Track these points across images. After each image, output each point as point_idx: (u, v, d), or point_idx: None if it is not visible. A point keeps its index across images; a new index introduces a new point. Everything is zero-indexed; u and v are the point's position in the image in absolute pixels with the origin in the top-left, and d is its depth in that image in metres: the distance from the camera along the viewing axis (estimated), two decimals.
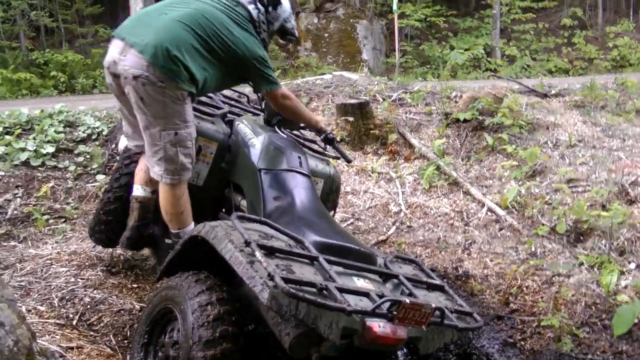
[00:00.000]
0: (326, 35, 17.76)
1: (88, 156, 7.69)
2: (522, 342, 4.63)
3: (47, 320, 3.90)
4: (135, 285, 4.63)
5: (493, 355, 4.60)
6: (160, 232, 4.27)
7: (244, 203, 4.22)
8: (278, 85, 4.13)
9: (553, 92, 10.04)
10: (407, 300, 2.98)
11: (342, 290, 2.96)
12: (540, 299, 4.93)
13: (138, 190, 4.22)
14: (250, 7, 4.14)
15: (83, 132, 8.17)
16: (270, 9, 4.21)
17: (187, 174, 3.97)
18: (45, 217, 6.27)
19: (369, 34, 18.17)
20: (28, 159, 7.33)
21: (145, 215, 4.23)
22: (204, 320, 3.12)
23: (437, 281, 3.71)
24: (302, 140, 4.68)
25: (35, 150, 7.47)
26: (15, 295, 3.94)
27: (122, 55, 3.74)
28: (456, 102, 8.84)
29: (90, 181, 7.20)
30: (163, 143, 3.82)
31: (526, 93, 9.81)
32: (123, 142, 6.25)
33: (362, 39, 17.87)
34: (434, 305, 3.06)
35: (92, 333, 3.95)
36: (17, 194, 6.69)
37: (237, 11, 4.05)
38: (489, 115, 7.95)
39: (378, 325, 2.93)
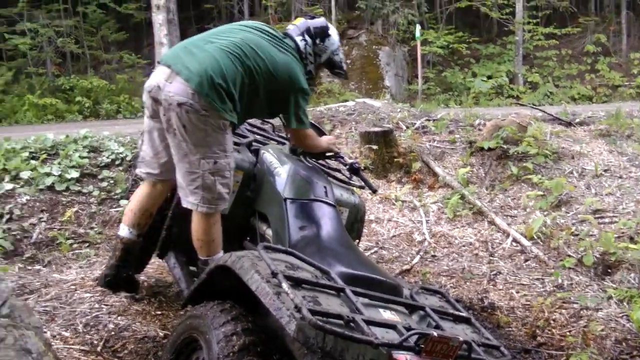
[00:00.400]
0: (349, 61, 17.82)
1: (112, 181, 7.72)
2: None
3: (72, 347, 3.89)
4: (159, 312, 4.60)
5: None
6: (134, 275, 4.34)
7: (269, 232, 4.21)
8: (307, 125, 4.18)
9: (577, 120, 9.99)
10: (435, 334, 2.95)
11: (369, 322, 2.93)
12: (568, 333, 4.84)
13: (124, 231, 4.25)
14: (298, 39, 4.17)
15: (107, 157, 8.21)
16: (318, 40, 4.23)
17: (223, 204, 3.98)
18: (70, 241, 6.29)
19: (391, 61, 18.23)
20: (53, 183, 7.37)
21: (126, 257, 4.27)
22: (229, 351, 3.10)
23: (464, 313, 3.65)
24: (327, 170, 4.66)
25: (60, 175, 7.52)
26: (41, 320, 3.93)
27: (167, 81, 3.77)
28: (480, 130, 8.81)
29: (114, 206, 7.22)
30: (202, 171, 3.83)
31: (550, 121, 9.75)
32: None
33: (384, 65, 17.93)
34: (461, 339, 3.01)
35: (116, 359, 3.94)
36: (42, 218, 6.73)
37: (284, 42, 4.09)
38: (513, 143, 7.91)
39: (405, 359, 2.88)
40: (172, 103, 3.73)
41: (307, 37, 4.20)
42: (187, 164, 3.86)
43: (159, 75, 3.86)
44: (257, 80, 3.88)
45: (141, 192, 4.31)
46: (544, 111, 10.50)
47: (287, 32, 4.23)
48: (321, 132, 4.75)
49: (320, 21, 4.31)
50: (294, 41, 4.17)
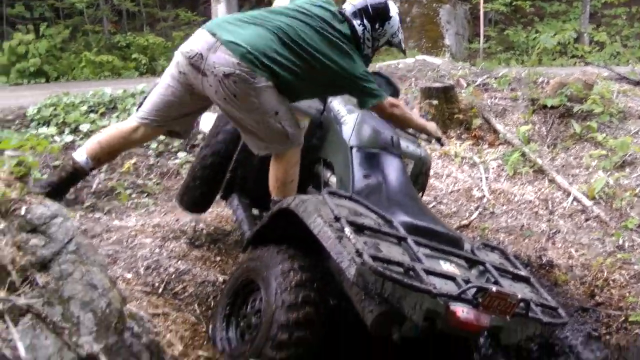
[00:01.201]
0: (408, 19, 17.54)
1: None
2: (607, 337, 4.50)
3: (134, 287, 3.98)
4: (218, 259, 4.67)
5: (576, 348, 4.48)
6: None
7: (333, 180, 4.21)
8: (383, 96, 3.99)
9: None
10: (494, 289, 2.95)
11: (428, 272, 2.94)
12: (628, 294, 4.76)
13: (81, 157, 4.19)
14: (356, 23, 4.05)
15: None
16: (377, 25, 4.10)
17: (298, 138, 3.97)
18: (129, 191, 6.39)
19: (451, 19, 17.89)
20: None
21: (68, 182, 4.28)
22: (286, 286, 3.16)
23: (524, 272, 3.64)
24: None
25: None
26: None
27: (210, 51, 3.74)
28: (543, 88, 8.59)
29: (172, 158, 7.30)
30: (266, 126, 3.83)
31: (617, 80, 9.44)
32: (204, 122, 6.33)
33: (444, 23, 17.61)
34: (520, 296, 2.99)
35: (177, 302, 4.01)
36: (101, 169, 6.82)
37: (338, 30, 3.95)
38: (578, 102, 7.68)
39: (462, 311, 2.88)
40: (218, 74, 3.71)
41: (365, 21, 4.06)
42: (250, 122, 3.88)
43: (200, 43, 3.81)
44: (306, 67, 3.82)
45: (119, 130, 4.25)
46: (611, 70, 10.18)
47: (344, 14, 4.08)
48: (394, 87, 4.66)
49: (379, 2, 4.14)
50: (352, 25, 4.04)
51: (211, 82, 3.77)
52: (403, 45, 4.38)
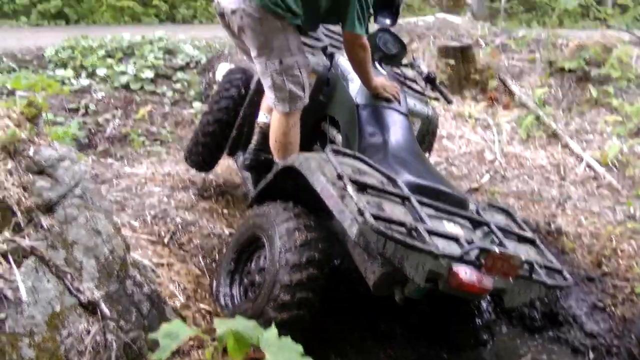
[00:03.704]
0: None
1: (185, 83, 7.80)
2: (613, 308, 4.47)
3: (140, 236, 4.01)
4: (225, 211, 4.69)
5: (580, 318, 4.47)
6: None
7: (339, 137, 4.18)
8: (363, 33, 3.90)
9: None
10: (497, 250, 2.92)
11: (431, 232, 2.91)
12: (635, 264, 4.72)
13: (261, 117, 4.23)
14: None
15: (182, 60, 8.28)
16: None
17: (300, 103, 3.91)
18: (142, 138, 6.41)
19: None
20: (128, 82, 7.50)
21: (264, 141, 4.20)
22: (291, 245, 3.15)
23: (529, 234, 3.57)
24: (402, 78, 4.55)
25: (135, 75, 7.64)
26: (112, 208, 4.04)
27: None
28: (562, 50, 8.45)
29: (187, 108, 7.30)
30: (269, 72, 3.80)
31: (637, 45, 9.26)
32: (220, 71, 6.29)
33: None
34: (523, 258, 2.98)
35: (182, 252, 4.04)
36: (116, 114, 6.86)
37: None
38: (596, 65, 7.58)
39: (464, 272, 2.85)
40: (227, 12, 3.75)
41: None
42: (257, 65, 3.87)
43: None
44: None
45: None
46: (633, 34, 9.97)
47: None
48: (402, 44, 4.59)
49: None
50: None
51: (228, 21, 3.84)
52: (401, 8, 4.29)
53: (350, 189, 2.89)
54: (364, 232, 2.82)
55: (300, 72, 3.86)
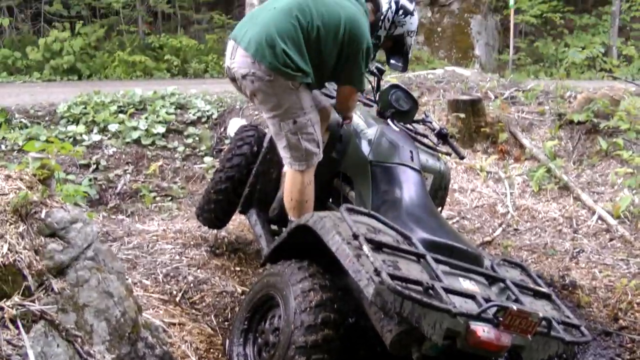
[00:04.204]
0: (439, 29, 17.44)
1: (197, 138, 7.86)
2: None
3: (152, 295, 3.98)
4: (238, 269, 4.66)
5: None
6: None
7: (352, 194, 4.18)
8: (361, 87, 4.04)
9: None
10: (514, 307, 2.88)
11: (448, 290, 2.89)
12: None
13: None
14: (384, 1, 4.06)
15: (193, 114, 8.36)
16: (401, 12, 4.10)
17: (315, 159, 3.93)
18: (153, 194, 6.44)
19: (482, 30, 17.75)
20: (139, 137, 7.56)
21: None
22: (306, 306, 3.11)
23: (545, 289, 3.55)
24: (414, 134, 4.56)
25: (146, 130, 7.70)
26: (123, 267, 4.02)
27: (232, 58, 3.82)
28: (570, 102, 8.49)
29: (198, 163, 7.35)
30: (284, 132, 3.82)
31: None
32: (232, 126, 6.34)
33: (475, 34, 17.47)
34: (541, 315, 2.94)
35: (194, 311, 4.01)
36: (127, 170, 6.91)
37: (359, 2, 3.95)
38: (605, 118, 7.58)
39: (482, 330, 2.82)
40: (238, 77, 3.79)
41: (392, 4, 4.07)
42: (271, 126, 3.91)
43: (227, 54, 3.89)
44: (319, 36, 3.75)
45: None
46: (638, 85, 10.02)
47: None
48: (414, 100, 4.64)
49: (410, 4, 4.17)
50: (377, 2, 4.05)
51: (239, 85, 3.88)
52: (410, 55, 4.36)
53: (365, 248, 2.88)
54: (380, 291, 2.79)
55: (315, 129, 3.88)
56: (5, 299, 2.23)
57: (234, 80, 3.91)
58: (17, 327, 2.18)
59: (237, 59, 3.78)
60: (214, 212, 4.66)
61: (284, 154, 3.92)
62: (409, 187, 3.91)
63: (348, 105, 4.10)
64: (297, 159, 3.87)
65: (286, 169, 4.00)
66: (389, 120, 4.40)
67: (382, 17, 4.05)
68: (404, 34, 4.18)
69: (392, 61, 4.33)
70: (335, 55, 3.83)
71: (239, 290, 4.32)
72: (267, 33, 3.67)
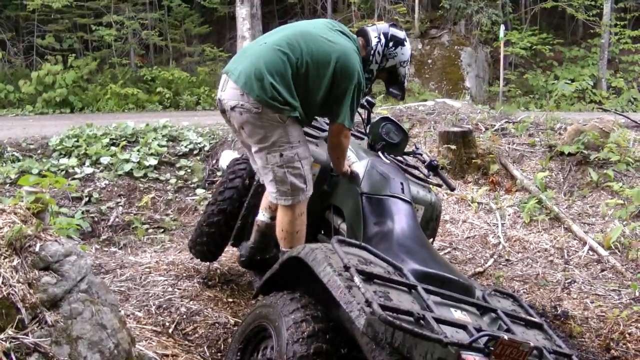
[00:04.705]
0: (429, 61, 17.64)
1: (189, 170, 7.89)
2: None
3: (145, 327, 3.97)
4: (230, 300, 4.66)
5: None
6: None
7: (343, 226, 4.19)
8: (351, 125, 4.01)
9: None
10: (506, 337, 2.88)
11: (439, 321, 2.89)
12: None
13: (260, 216, 4.24)
14: (373, 36, 4.09)
15: (185, 146, 8.40)
16: (391, 44, 4.13)
17: (302, 195, 3.93)
18: (145, 226, 6.43)
19: (472, 62, 17.93)
20: (131, 169, 7.59)
21: (261, 239, 4.25)
22: (298, 337, 3.10)
23: (536, 319, 3.55)
24: (404, 166, 4.60)
25: (138, 162, 7.73)
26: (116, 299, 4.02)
27: (222, 90, 3.88)
28: (560, 134, 8.59)
29: (190, 194, 7.36)
30: (270, 165, 3.84)
31: (633, 128, 9.36)
32: (224, 158, 6.37)
33: (465, 66, 17.64)
34: (532, 344, 2.94)
35: (187, 343, 3.99)
36: (119, 202, 6.92)
37: (346, 36, 4.01)
38: (595, 149, 7.68)
39: None
40: (227, 108, 3.83)
41: (382, 37, 4.10)
42: (258, 160, 3.91)
43: (219, 87, 3.95)
44: (308, 72, 3.80)
45: None
46: (627, 117, 10.12)
47: (362, 28, 4.18)
48: (404, 133, 4.70)
49: (401, 33, 4.21)
50: (367, 36, 4.09)
51: (228, 117, 3.90)
52: (406, 83, 4.38)
53: (357, 279, 2.88)
54: (371, 322, 2.78)
55: (302, 165, 3.90)
56: None
57: (223, 112, 3.94)
58: None
59: (227, 91, 3.83)
60: (207, 245, 4.68)
61: (270, 188, 3.92)
62: (400, 219, 3.92)
63: (340, 141, 4.05)
64: (282, 194, 3.88)
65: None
66: (379, 153, 4.44)
67: (372, 52, 4.09)
68: (397, 65, 4.20)
69: (391, 90, 4.35)
70: (324, 91, 3.86)
71: (232, 321, 4.31)
72: (256, 67, 3.72)
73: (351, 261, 3.03)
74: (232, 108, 3.78)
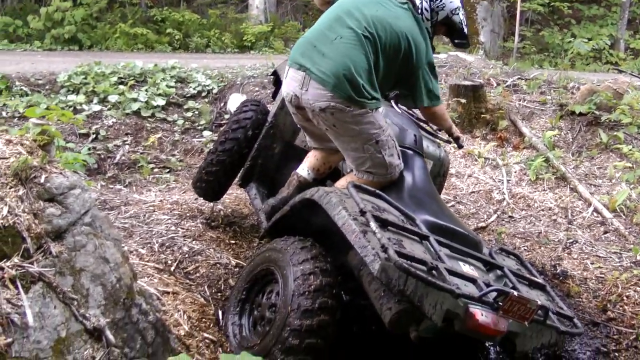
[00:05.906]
0: None
1: (196, 112, 7.87)
2: (616, 354, 4.39)
3: (147, 264, 3.99)
4: (232, 242, 4.68)
5: None
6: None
7: None
8: (440, 101, 4.06)
9: None
10: (515, 293, 2.92)
11: (450, 272, 2.92)
12: None
13: (303, 171, 4.17)
14: None
15: (194, 88, 8.37)
16: None
17: (397, 170, 3.90)
18: (151, 165, 6.45)
19: (488, 16, 17.61)
20: (139, 109, 7.57)
21: (297, 194, 4.18)
22: (305, 289, 3.11)
23: (540, 280, 3.62)
24: (415, 119, 4.57)
25: (146, 102, 7.71)
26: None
27: (303, 89, 3.74)
28: (573, 93, 8.50)
29: (197, 136, 7.36)
30: (368, 154, 3.80)
31: None
32: (232, 102, 6.33)
33: (480, 20, 17.33)
34: (539, 303, 2.97)
35: (188, 281, 4.01)
36: (126, 141, 6.92)
37: (405, 7, 3.95)
38: (607, 110, 7.59)
39: (481, 314, 2.86)
40: (315, 110, 3.73)
41: None
42: (352, 152, 3.86)
43: (293, 83, 3.82)
44: (385, 59, 3.78)
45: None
46: None
47: None
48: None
49: None
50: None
51: (312, 117, 3.82)
52: (466, 30, 4.29)
53: (373, 224, 2.90)
54: (386, 268, 2.80)
55: (395, 142, 3.90)
56: (5, 260, 2.26)
57: (299, 108, 3.87)
58: (16, 287, 2.22)
59: (311, 91, 3.71)
60: (206, 190, 4.66)
61: (366, 176, 3.87)
62: (412, 171, 3.93)
63: (436, 117, 4.23)
64: (381, 176, 3.85)
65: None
66: (392, 102, 4.40)
67: (419, 11, 4.03)
68: (448, 15, 4.13)
69: (456, 41, 4.35)
70: (396, 72, 3.88)
71: (233, 262, 4.34)
72: (344, 68, 3.64)
73: (367, 207, 3.04)
74: (322, 109, 3.69)
